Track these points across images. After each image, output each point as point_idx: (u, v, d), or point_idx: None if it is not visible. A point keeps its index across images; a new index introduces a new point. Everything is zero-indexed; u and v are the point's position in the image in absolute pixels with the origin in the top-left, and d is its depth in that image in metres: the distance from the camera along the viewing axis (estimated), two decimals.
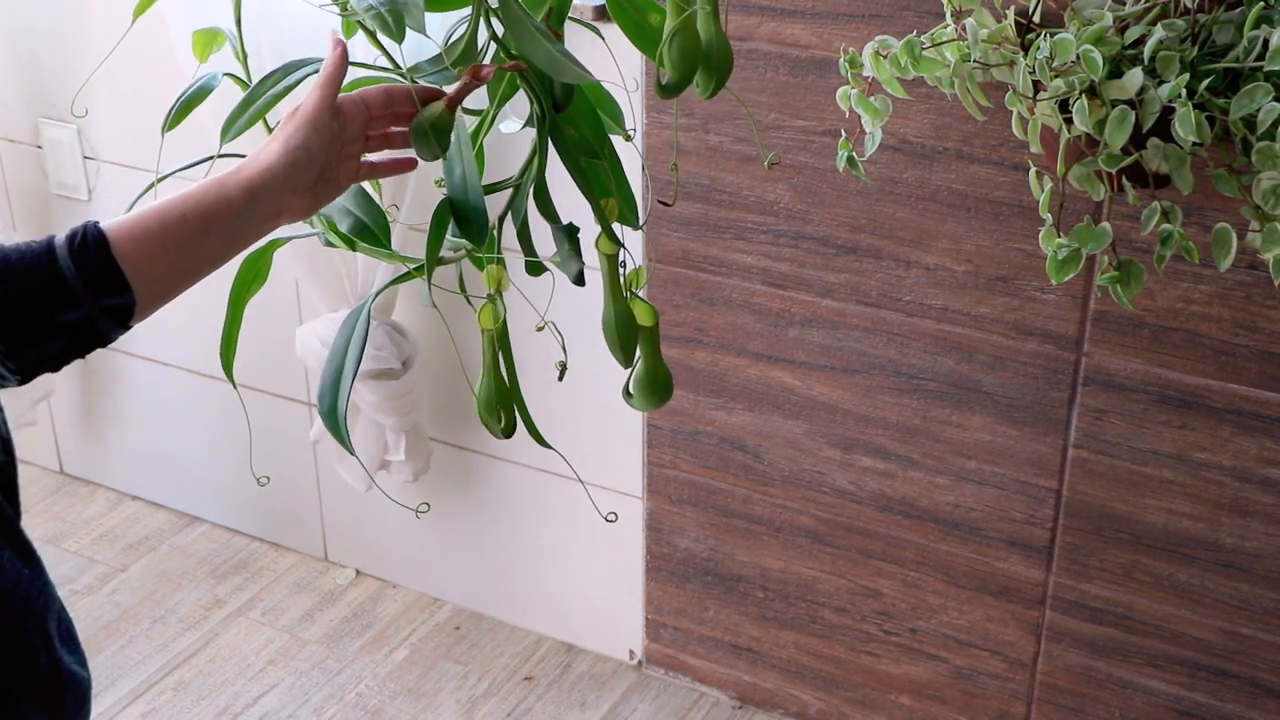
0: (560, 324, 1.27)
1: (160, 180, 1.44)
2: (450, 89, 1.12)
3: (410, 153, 1.18)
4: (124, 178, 2.30)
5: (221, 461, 2.46)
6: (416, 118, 1.13)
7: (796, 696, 2.06)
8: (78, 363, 2.69)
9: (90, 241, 1.04)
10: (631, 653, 2.19)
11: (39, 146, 2.37)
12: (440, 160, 1.14)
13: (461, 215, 1.11)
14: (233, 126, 1.29)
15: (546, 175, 1.19)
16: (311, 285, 2.05)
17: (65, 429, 2.62)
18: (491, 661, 2.21)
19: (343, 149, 1.15)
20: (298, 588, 2.38)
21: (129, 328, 1.08)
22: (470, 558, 2.28)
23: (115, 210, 1.10)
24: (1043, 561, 1.80)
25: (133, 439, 2.55)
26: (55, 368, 1.06)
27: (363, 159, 1.18)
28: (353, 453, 1.20)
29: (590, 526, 2.13)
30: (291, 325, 2.18)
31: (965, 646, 1.90)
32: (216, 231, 1.09)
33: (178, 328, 2.30)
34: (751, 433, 1.92)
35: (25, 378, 1.05)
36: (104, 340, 1.07)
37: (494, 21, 1.11)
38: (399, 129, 1.19)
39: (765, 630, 2.04)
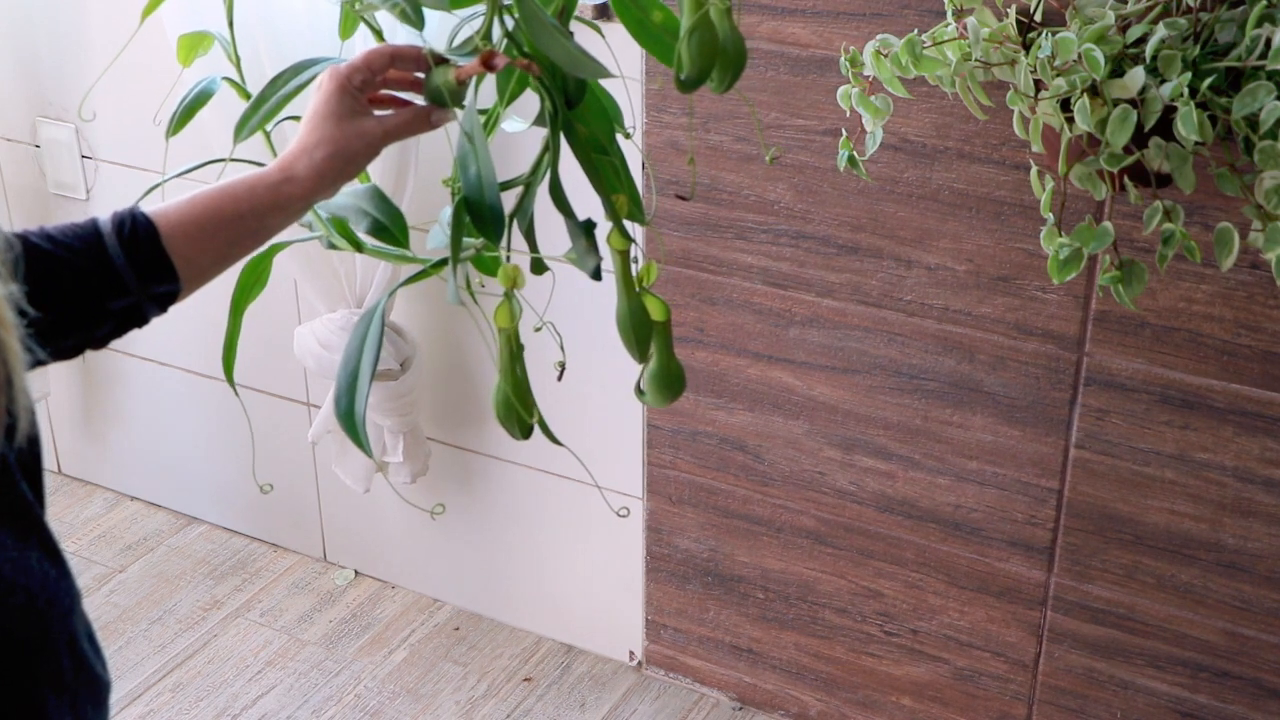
0: (557, 325, 1.26)
1: (165, 181, 1.44)
2: (461, 63, 1.12)
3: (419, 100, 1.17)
4: (122, 177, 2.30)
5: (220, 462, 2.45)
6: (431, 78, 1.12)
7: (797, 697, 2.05)
8: (76, 363, 2.68)
9: (141, 231, 1.07)
10: (631, 654, 2.19)
11: (37, 145, 2.37)
12: (448, 147, 1.13)
13: (478, 214, 1.10)
14: (245, 127, 1.28)
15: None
16: (310, 285, 2.04)
17: (63, 429, 2.62)
18: (491, 663, 2.21)
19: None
20: (296, 588, 2.38)
21: (167, 311, 1.11)
22: (470, 558, 2.27)
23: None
24: (1044, 562, 1.79)
25: (131, 439, 2.55)
26: (97, 348, 1.10)
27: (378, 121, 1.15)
28: (371, 456, 1.20)
29: (590, 527, 2.13)
30: (291, 325, 2.18)
31: (966, 647, 1.89)
32: (268, 228, 1.13)
33: (176, 328, 2.30)
34: (752, 433, 1.92)
35: (67, 357, 1.08)
36: (144, 323, 1.10)
37: (506, 19, 1.10)
38: (395, 99, 1.18)
39: (766, 631, 2.04)
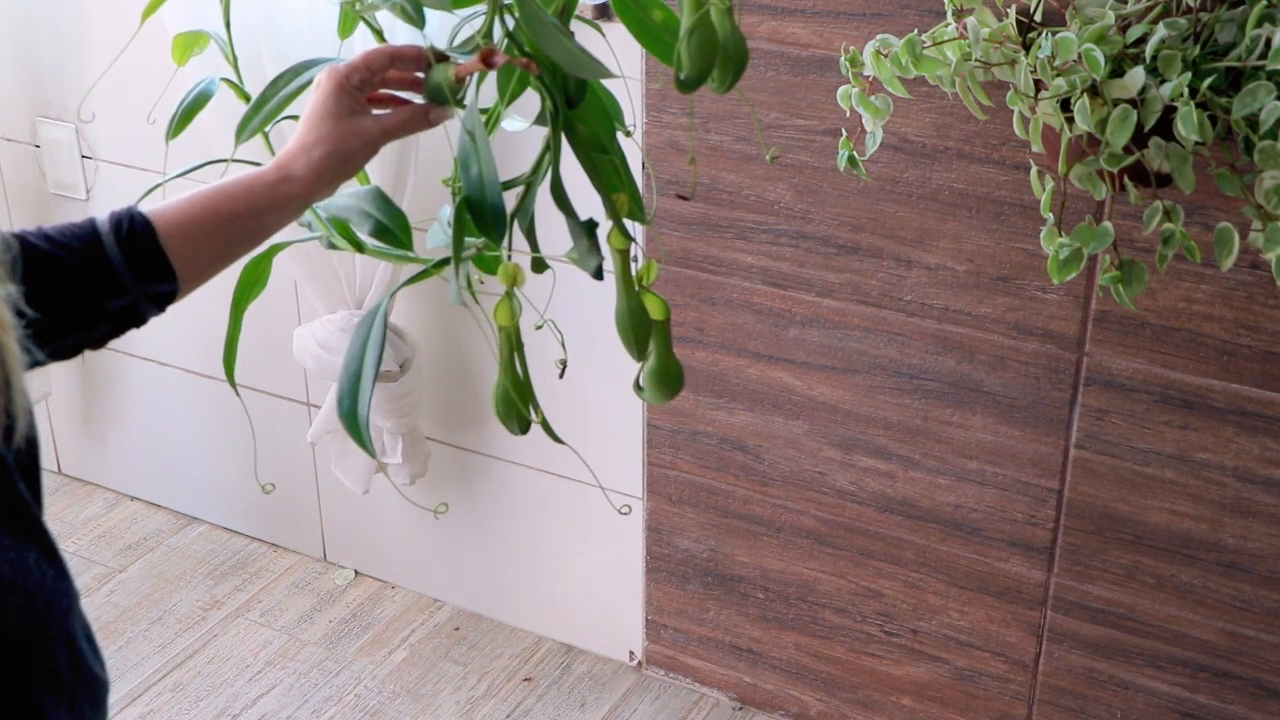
0: (557, 324, 1.26)
1: (166, 181, 1.45)
2: (461, 60, 1.12)
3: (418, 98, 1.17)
4: (122, 177, 2.30)
5: (220, 462, 2.45)
6: (431, 75, 1.12)
7: (797, 698, 2.05)
8: (76, 363, 2.68)
9: (138, 230, 1.07)
10: (631, 654, 2.19)
11: (37, 145, 2.37)
12: (448, 147, 1.13)
13: (479, 213, 1.10)
14: (246, 128, 1.28)
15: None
16: (310, 286, 2.04)
17: (63, 429, 2.62)
18: (491, 663, 2.21)
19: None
20: (296, 588, 2.38)
21: (165, 311, 1.11)
22: (470, 558, 2.27)
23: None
24: (1044, 562, 1.79)
25: (131, 439, 2.55)
26: (96, 348, 1.10)
27: (377, 120, 1.15)
28: (374, 456, 1.20)
29: (590, 527, 2.13)
30: (291, 325, 2.18)
31: (966, 647, 1.89)
32: (265, 227, 1.13)
33: (176, 328, 2.30)
34: (752, 433, 1.92)
35: (65, 357, 1.08)
36: (142, 323, 1.10)
37: (507, 19, 1.10)
38: (395, 97, 1.18)
39: (766, 631, 2.04)
